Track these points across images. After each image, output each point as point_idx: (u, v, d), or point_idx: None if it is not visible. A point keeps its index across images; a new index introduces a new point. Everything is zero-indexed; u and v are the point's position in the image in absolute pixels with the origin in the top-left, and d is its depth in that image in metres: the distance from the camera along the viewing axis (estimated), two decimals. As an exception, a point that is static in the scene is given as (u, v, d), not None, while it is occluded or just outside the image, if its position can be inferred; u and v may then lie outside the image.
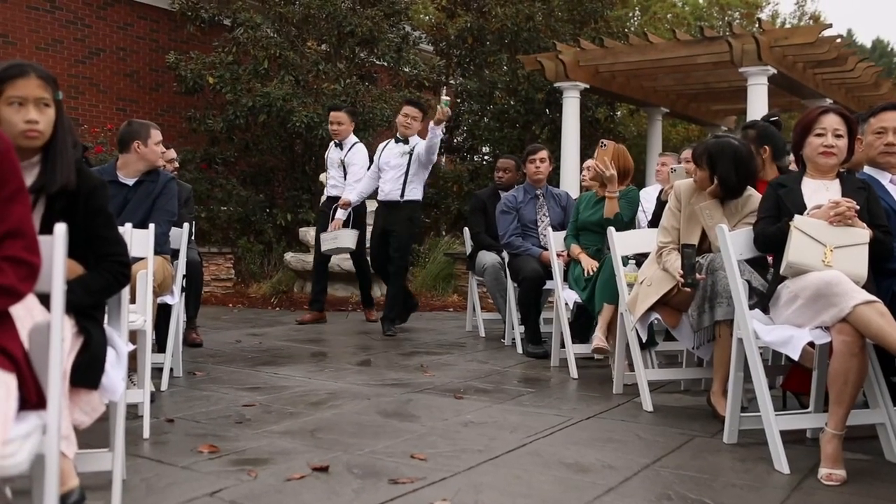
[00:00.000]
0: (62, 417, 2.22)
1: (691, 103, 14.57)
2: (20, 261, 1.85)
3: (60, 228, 1.96)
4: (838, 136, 3.42)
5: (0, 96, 2.37)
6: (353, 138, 7.34)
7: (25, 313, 2.08)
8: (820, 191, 3.43)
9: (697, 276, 3.77)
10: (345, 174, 7.20)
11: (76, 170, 2.56)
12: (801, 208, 3.37)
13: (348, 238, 6.96)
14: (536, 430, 3.68)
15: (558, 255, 5.40)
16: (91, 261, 2.59)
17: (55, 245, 1.96)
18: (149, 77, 11.35)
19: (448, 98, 6.51)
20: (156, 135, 4.56)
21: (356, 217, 7.17)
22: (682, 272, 3.81)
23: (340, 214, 7.03)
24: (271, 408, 4.07)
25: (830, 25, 10.77)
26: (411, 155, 6.73)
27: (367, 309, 7.67)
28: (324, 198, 7.59)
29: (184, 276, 4.85)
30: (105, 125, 10.35)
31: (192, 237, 6.11)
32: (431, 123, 6.45)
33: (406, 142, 6.82)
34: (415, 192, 6.78)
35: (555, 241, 5.43)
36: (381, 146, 7.03)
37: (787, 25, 24.26)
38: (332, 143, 7.44)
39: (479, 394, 4.47)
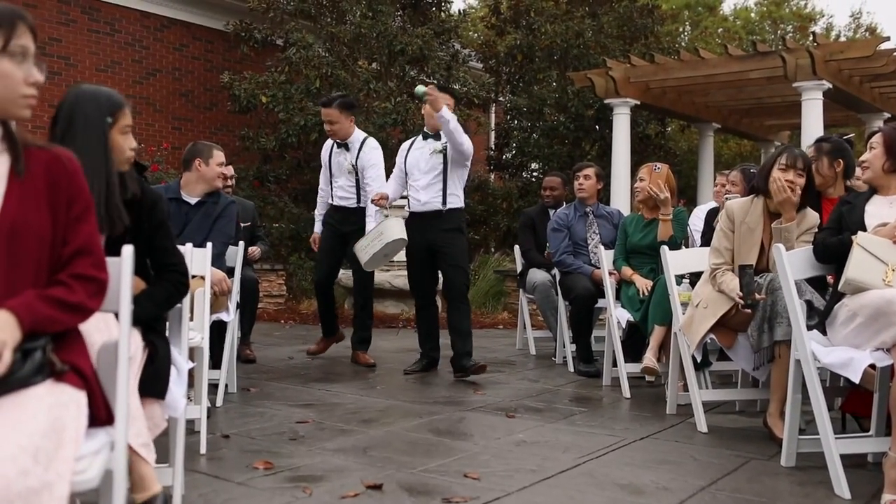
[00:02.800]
0: (140, 426, 2.29)
1: (744, 119, 14.40)
2: (89, 278, 1.90)
3: (128, 250, 2.02)
4: (871, 149, 3.49)
5: (115, 125, 2.56)
6: (359, 134, 6.05)
7: (105, 328, 2.17)
8: (884, 207, 3.39)
9: (757, 296, 3.73)
10: (357, 180, 5.96)
11: (139, 187, 2.69)
12: (858, 225, 3.35)
13: (395, 227, 5.36)
14: (589, 450, 3.66)
15: (610, 274, 5.37)
16: (152, 272, 2.69)
17: (123, 266, 2.01)
18: (203, 96, 11.57)
19: (424, 88, 5.38)
20: (218, 156, 4.68)
21: (359, 232, 5.80)
22: (741, 293, 3.77)
23: (372, 212, 5.78)
24: (324, 425, 4.10)
25: (888, 38, 10.59)
26: (445, 153, 5.51)
27: (361, 351, 6.10)
28: (318, 212, 6.35)
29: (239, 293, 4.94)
30: (161, 144, 10.57)
31: (267, 247, 6.49)
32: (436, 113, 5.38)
33: (437, 136, 5.56)
34: (457, 198, 5.60)
35: (606, 259, 5.41)
36: (404, 146, 5.84)
37: (843, 38, 23.93)
38: (330, 145, 6.12)
39: (530, 412, 4.45)
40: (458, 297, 5.53)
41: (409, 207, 5.70)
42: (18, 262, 1.81)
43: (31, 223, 1.83)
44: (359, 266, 5.69)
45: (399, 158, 5.79)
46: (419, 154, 5.62)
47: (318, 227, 6.31)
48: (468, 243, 5.47)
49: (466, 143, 5.46)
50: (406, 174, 5.68)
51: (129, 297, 2.03)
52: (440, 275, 5.74)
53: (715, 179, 6.95)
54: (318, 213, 6.34)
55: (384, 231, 5.29)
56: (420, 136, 5.74)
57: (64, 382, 1.79)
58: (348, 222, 5.97)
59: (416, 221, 5.59)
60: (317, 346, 6.36)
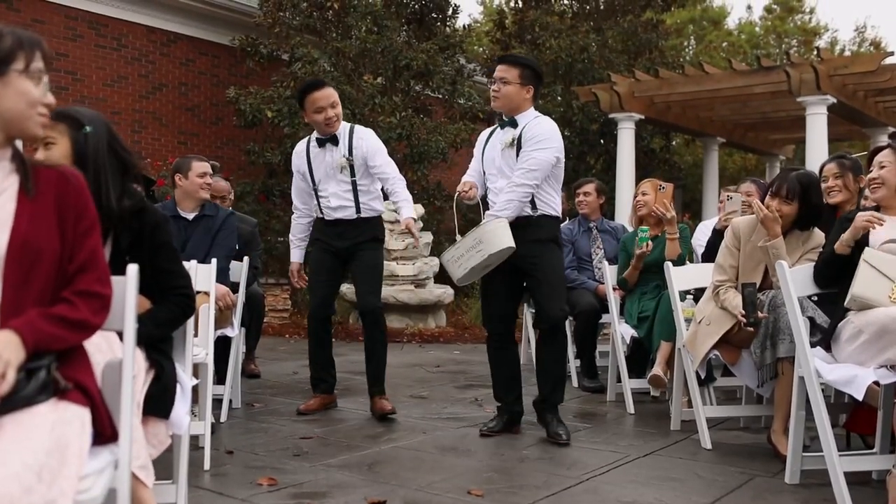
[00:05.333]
0: (139, 447, 2.29)
1: (748, 133, 14.43)
2: (93, 294, 1.92)
3: (133, 269, 2.03)
4: (882, 167, 3.44)
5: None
6: (343, 123, 4.87)
7: (107, 347, 2.17)
8: (889, 227, 3.38)
9: (759, 314, 3.73)
10: (353, 182, 4.76)
11: (140, 208, 2.67)
12: (864, 242, 3.34)
13: (499, 232, 4.09)
14: (593, 466, 3.66)
15: (614, 289, 5.37)
16: (157, 294, 2.69)
17: (127, 285, 2.02)
18: (209, 111, 11.63)
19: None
20: (198, 167, 4.60)
21: (372, 239, 4.87)
22: (743, 311, 3.77)
23: (412, 225, 4.79)
24: (328, 440, 4.10)
25: (892, 53, 10.61)
26: (520, 143, 4.23)
27: (380, 395, 4.79)
28: (296, 235, 5.09)
29: (243, 307, 4.95)
30: (167, 158, 10.59)
31: (260, 271, 6.21)
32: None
33: (513, 123, 4.29)
34: (549, 205, 4.32)
35: (611, 275, 5.41)
36: (483, 136, 4.53)
37: (847, 52, 23.96)
38: (304, 147, 4.91)
39: (534, 428, 4.45)
40: (555, 328, 4.29)
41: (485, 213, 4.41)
42: (29, 279, 1.84)
43: (42, 241, 1.86)
44: (367, 289, 4.77)
45: (476, 150, 4.51)
46: (498, 146, 4.33)
47: (296, 255, 5.12)
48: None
49: (538, 173, 4.19)
50: (483, 173, 4.42)
51: (134, 315, 2.04)
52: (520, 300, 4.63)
53: (720, 195, 6.95)
54: (296, 236, 5.09)
55: (483, 238, 4.08)
56: (498, 126, 4.42)
57: (68, 400, 1.80)
58: (347, 237, 4.81)
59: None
60: (309, 404, 4.84)
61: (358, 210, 4.80)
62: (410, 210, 4.82)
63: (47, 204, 1.89)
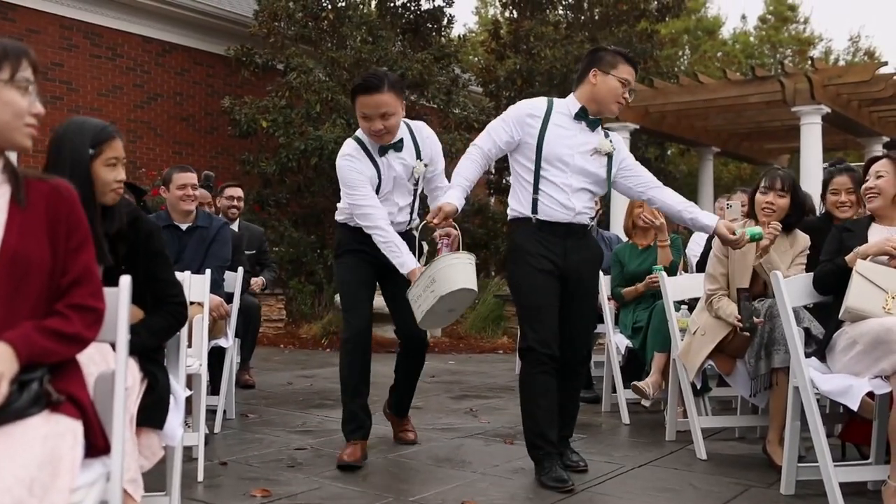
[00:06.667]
0: (130, 461, 2.28)
1: (743, 142, 14.47)
2: (86, 308, 1.91)
3: (125, 281, 2.03)
4: (879, 177, 3.44)
5: (99, 157, 2.57)
6: (406, 123, 4.06)
7: (101, 359, 2.17)
8: (885, 236, 3.39)
9: (755, 319, 3.73)
10: (414, 194, 4.13)
11: (134, 217, 2.71)
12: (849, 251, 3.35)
13: (459, 269, 3.50)
14: (588, 477, 3.65)
15: (609, 300, 5.37)
16: (150, 302, 2.69)
17: (120, 297, 2.02)
18: (204, 121, 11.62)
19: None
20: (178, 179, 4.58)
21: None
22: (739, 317, 3.77)
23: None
24: (322, 451, 4.09)
25: (886, 63, 10.68)
26: (610, 158, 3.71)
27: (403, 418, 4.47)
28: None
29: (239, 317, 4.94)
30: (162, 168, 10.58)
31: (274, 276, 6.32)
32: None
33: (595, 124, 3.71)
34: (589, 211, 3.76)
35: (605, 284, 5.41)
36: (533, 110, 3.66)
37: (841, 62, 24.07)
38: (366, 153, 3.93)
39: (529, 439, 4.44)
40: (583, 358, 3.89)
41: (536, 213, 3.61)
42: (19, 291, 1.83)
43: (32, 253, 1.85)
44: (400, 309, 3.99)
45: (516, 123, 3.63)
46: (570, 142, 3.62)
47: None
48: None
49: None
50: (538, 161, 3.60)
51: (127, 327, 2.03)
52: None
53: (715, 203, 6.97)
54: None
55: (436, 276, 3.45)
56: (564, 110, 3.67)
57: (60, 413, 1.79)
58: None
59: (557, 235, 3.62)
60: (351, 454, 3.84)
61: (410, 222, 4.15)
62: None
63: (38, 216, 1.88)
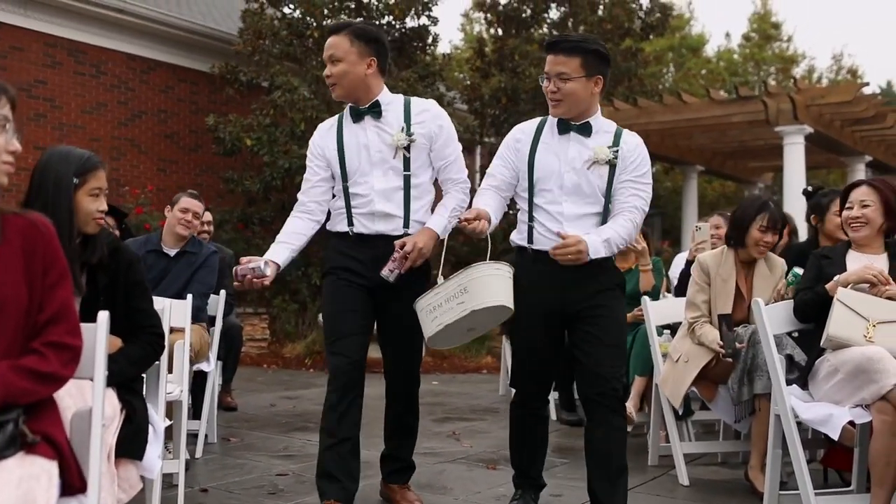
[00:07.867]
0: (108, 495, 2.26)
1: (727, 161, 14.57)
2: (63, 346, 1.90)
3: (103, 317, 2.01)
4: (865, 206, 3.42)
5: (83, 186, 2.55)
6: (393, 96, 3.44)
7: (77, 392, 2.15)
8: (867, 264, 3.40)
9: (738, 345, 3.74)
10: (407, 181, 3.34)
11: (114, 247, 2.70)
12: (830, 279, 3.37)
13: (493, 282, 3.00)
14: (572, 502, 3.64)
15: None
16: (129, 332, 2.68)
17: (98, 333, 2.00)
18: (188, 138, 11.58)
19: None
20: (183, 202, 4.66)
21: (418, 273, 3.31)
22: (720, 342, 3.79)
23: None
24: (304, 477, 4.06)
25: (867, 84, 10.82)
26: (613, 165, 3.16)
27: (403, 485, 3.75)
28: (299, 218, 3.69)
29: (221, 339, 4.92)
30: (145, 186, 10.55)
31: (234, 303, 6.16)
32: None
33: (586, 129, 3.22)
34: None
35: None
36: (521, 136, 3.38)
37: (825, 80, 24.28)
38: (335, 122, 3.45)
39: (510, 466, 4.41)
40: (611, 405, 3.18)
41: (531, 243, 3.24)
42: None
43: (8, 291, 1.83)
44: (404, 362, 3.60)
45: (508, 150, 3.34)
46: (562, 157, 3.20)
47: (276, 253, 3.57)
48: None
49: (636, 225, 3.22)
50: (531, 185, 3.23)
51: (104, 364, 2.02)
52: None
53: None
54: (286, 233, 3.71)
55: (470, 287, 2.95)
56: (551, 127, 3.29)
57: (35, 454, 1.77)
58: (386, 258, 3.26)
59: (550, 270, 3.12)
60: None
61: (406, 223, 3.35)
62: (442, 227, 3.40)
63: (14, 252, 1.87)
